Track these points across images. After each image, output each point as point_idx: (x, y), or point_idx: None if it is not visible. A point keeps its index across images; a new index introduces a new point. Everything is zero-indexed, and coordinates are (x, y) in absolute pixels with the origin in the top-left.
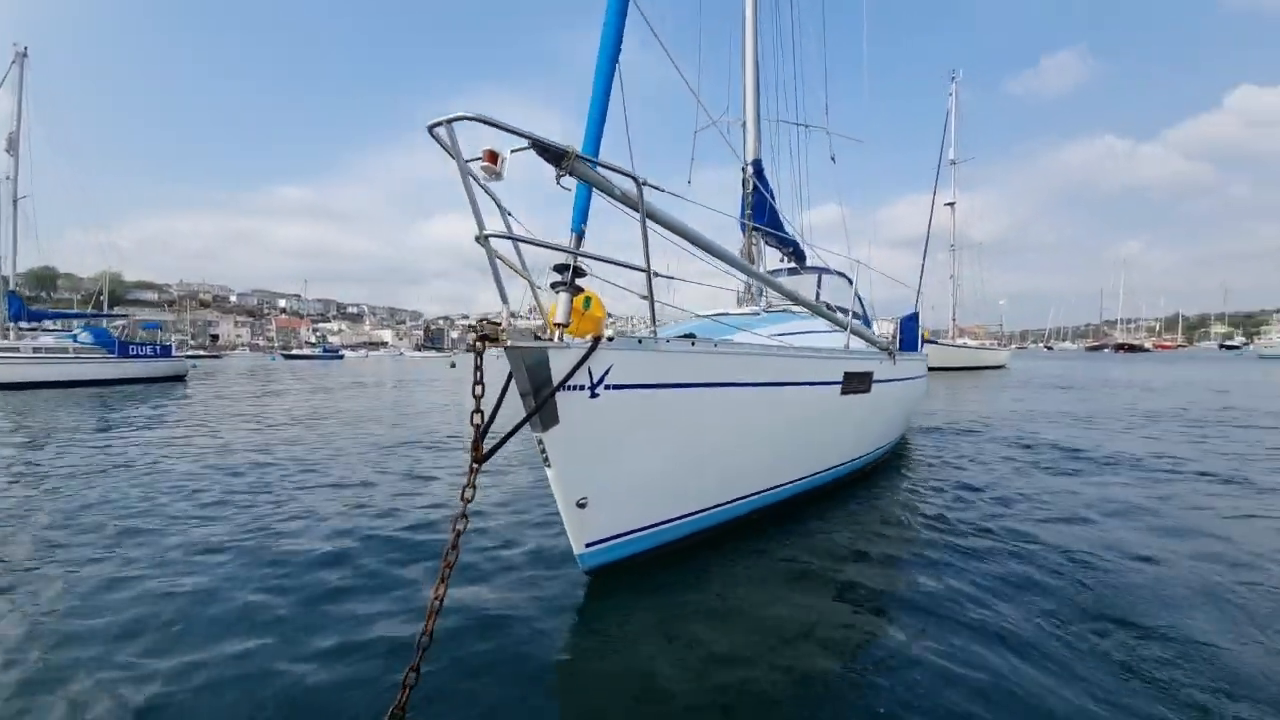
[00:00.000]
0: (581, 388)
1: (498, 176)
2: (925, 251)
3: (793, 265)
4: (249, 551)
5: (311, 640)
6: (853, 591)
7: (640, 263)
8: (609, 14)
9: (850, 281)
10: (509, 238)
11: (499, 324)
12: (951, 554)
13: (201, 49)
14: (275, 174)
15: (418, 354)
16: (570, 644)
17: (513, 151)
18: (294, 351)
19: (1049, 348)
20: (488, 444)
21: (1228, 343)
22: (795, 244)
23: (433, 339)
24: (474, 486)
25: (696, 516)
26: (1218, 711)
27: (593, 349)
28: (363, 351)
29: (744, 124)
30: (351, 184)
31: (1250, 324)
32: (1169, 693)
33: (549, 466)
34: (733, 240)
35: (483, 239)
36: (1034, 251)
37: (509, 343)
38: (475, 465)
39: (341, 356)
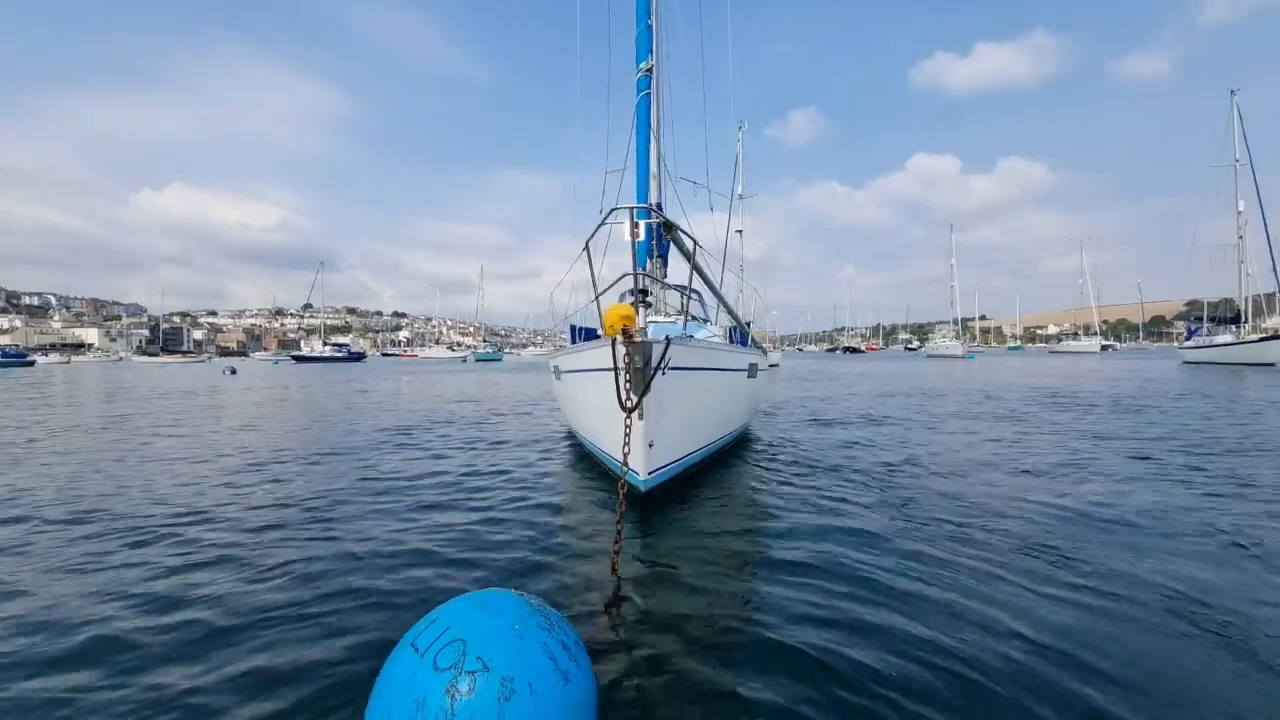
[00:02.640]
0: (659, 368)
1: (639, 238)
2: (723, 270)
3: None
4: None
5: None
6: (762, 487)
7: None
8: (640, 120)
9: (701, 297)
10: (650, 276)
11: (636, 327)
12: (807, 471)
13: None
14: None
15: (150, 360)
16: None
17: (645, 224)
18: None
19: (800, 350)
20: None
21: (909, 346)
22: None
23: (167, 340)
24: (631, 422)
25: (697, 452)
26: (950, 508)
27: (669, 345)
28: (59, 355)
29: (651, 175)
30: (17, 133)
31: (922, 332)
32: (928, 511)
33: (641, 420)
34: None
35: (636, 276)
36: (788, 270)
37: (639, 339)
38: (628, 417)
39: (31, 362)
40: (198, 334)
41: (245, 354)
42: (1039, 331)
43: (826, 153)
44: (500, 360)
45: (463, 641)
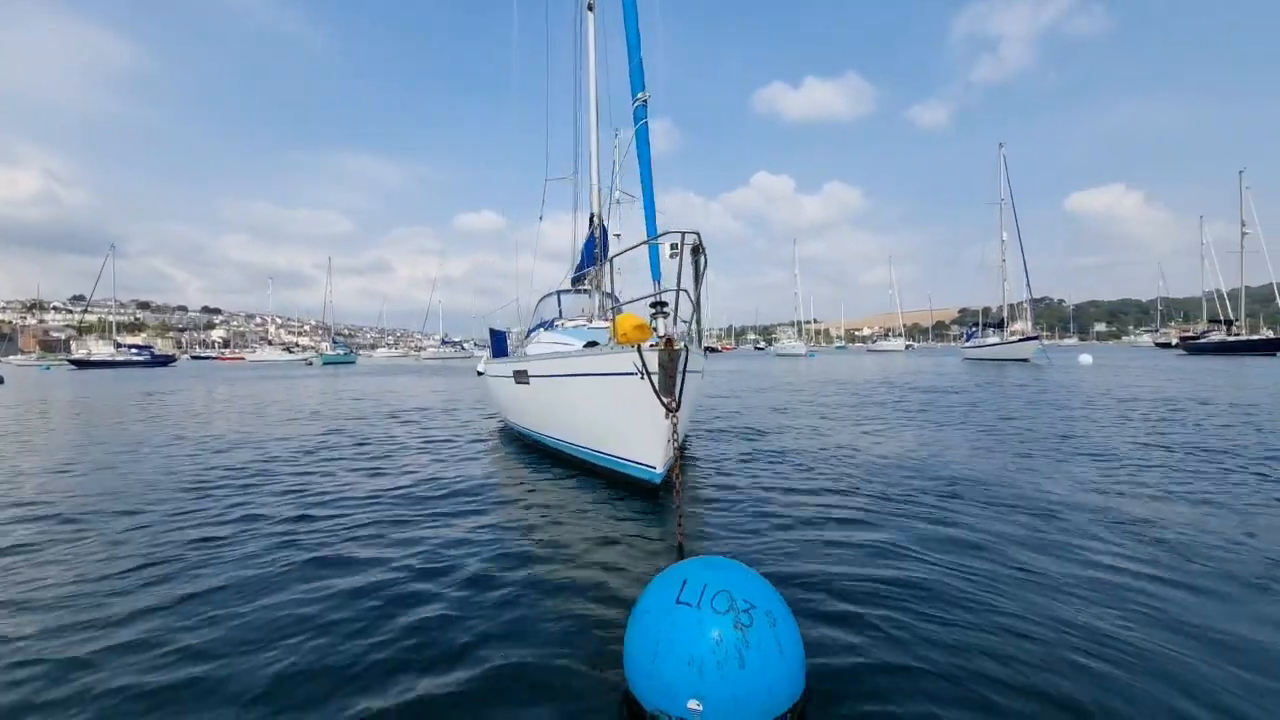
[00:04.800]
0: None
1: (678, 256)
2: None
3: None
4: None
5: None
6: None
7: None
8: (640, 146)
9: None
10: (683, 290)
11: (674, 337)
12: (740, 449)
13: None
14: None
15: None
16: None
17: (685, 245)
18: None
19: None
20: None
21: (758, 345)
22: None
23: None
24: (675, 426)
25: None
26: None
27: (688, 349)
28: None
29: (596, 188)
30: None
31: (767, 333)
32: (835, 476)
33: (668, 419)
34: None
35: (677, 292)
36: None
37: (679, 345)
38: (674, 416)
39: None
40: None
41: None
42: (856, 333)
43: (682, 163)
44: (354, 363)
45: (726, 591)
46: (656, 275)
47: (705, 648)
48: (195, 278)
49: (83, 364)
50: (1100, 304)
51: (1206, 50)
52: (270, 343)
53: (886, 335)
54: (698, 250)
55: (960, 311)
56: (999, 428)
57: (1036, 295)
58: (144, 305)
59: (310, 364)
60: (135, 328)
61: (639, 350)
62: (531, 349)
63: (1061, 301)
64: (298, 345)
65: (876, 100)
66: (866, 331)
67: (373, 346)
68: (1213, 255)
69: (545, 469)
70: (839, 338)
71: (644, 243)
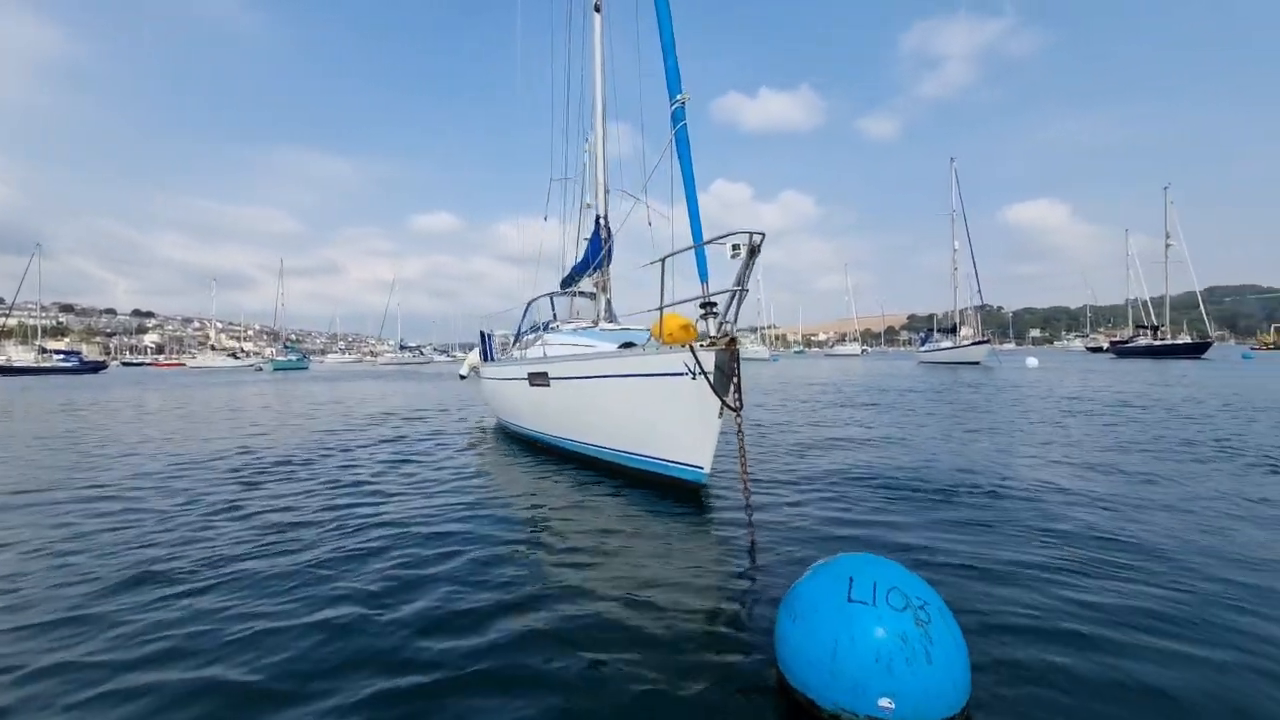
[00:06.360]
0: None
1: (739, 255)
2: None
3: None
4: None
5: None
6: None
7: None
8: (680, 147)
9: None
10: (738, 289)
11: (735, 335)
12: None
13: None
14: None
15: None
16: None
17: (745, 245)
18: None
19: None
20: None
21: None
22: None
23: None
24: (741, 419)
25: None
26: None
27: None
28: None
29: (603, 191)
30: None
31: None
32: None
33: (720, 418)
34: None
35: (738, 292)
36: (616, 280)
37: (738, 345)
38: (739, 414)
39: None
40: None
41: None
42: (813, 338)
43: (643, 169)
44: (307, 369)
45: (897, 589)
46: (704, 276)
47: (892, 645)
48: (124, 279)
49: (3, 370)
50: (1035, 311)
51: (1135, 70)
52: (213, 348)
53: (843, 340)
54: (755, 251)
55: (909, 317)
56: (985, 422)
57: (978, 303)
58: (67, 308)
59: (260, 370)
60: (58, 332)
61: (692, 350)
62: (549, 350)
63: (1000, 308)
64: (243, 350)
65: (826, 111)
66: (822, 336)
67: (323, 352)
68: (1137, 265)
69: (566, 473)
70: (796, 342)
71: (702, 244)
